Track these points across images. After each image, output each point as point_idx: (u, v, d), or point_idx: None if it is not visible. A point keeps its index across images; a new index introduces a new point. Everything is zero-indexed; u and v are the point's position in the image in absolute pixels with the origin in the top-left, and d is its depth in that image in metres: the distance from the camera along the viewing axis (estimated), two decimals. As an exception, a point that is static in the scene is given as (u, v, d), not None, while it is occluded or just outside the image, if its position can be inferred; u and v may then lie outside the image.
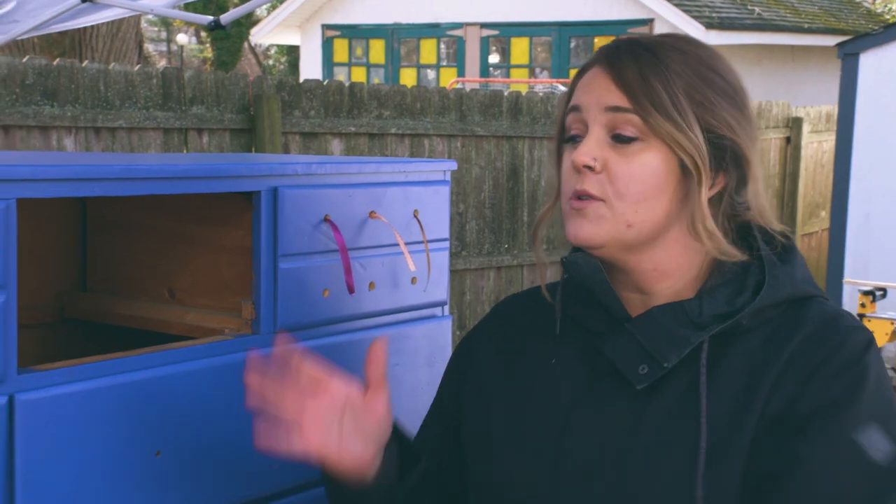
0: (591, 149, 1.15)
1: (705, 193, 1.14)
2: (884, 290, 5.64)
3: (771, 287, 1.15)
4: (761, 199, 1.19)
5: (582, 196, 1.15)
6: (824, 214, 9.60)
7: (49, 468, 1.14)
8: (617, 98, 1.15)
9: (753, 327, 1.15)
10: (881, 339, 5.37)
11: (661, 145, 1.14)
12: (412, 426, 1.50)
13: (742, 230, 1.19)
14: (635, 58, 1.16)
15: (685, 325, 1.15)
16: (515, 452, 1.22)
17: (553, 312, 1.25)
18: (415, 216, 1.55)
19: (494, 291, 6.22)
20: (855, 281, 6.30)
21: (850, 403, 1.10)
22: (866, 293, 5.57)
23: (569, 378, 1.21)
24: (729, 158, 1.15)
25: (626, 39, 1.21)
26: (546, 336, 1.25)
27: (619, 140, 1.14)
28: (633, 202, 1.14)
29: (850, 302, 6.85)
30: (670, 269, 1.18)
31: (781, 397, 1.11)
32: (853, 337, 1.14)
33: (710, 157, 1.14)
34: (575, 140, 1.18)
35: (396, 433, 1.26)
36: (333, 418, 1.16)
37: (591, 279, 1.19)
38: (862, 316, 5.46)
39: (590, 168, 1.15)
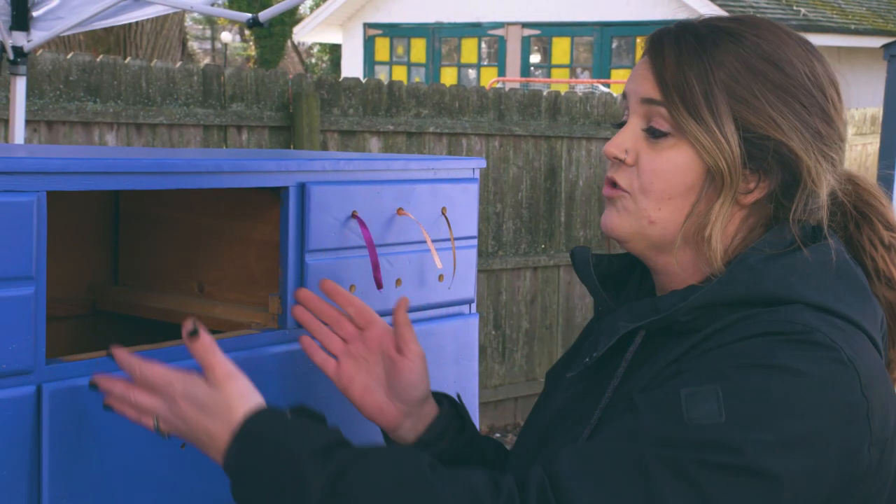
0: (624, 140, 1.13)
1: (724, 201, 1.08)
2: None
3: (720, 284, 1.07)
4: (822, 206, 1.10)
5: (614, 185, 1.14)
6: (868, 218, 9.46)
7: (75, 458, 1.16)
8: (651, 89, 1.11)
9: (700, 326, 1.07)
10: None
11: (691, 144, 1.09)
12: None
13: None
14: (678, 45, 1.11)
15: (635, 318, 1.11)
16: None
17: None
18: (443, 213, 1.55)
19: (531, 292, 6.21)
20: (897, 286, 6.20)
21: (704, 365, 1.01)
22: (908, 298, 5.47)
23: (579, 360, 1.23)
24: (773, 160, 1.08)
25: (682, 22, 1.15)
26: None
27: (651, 134, 1.11)
28: (656, 199, 1.10)
29: (892, 307, 6.74)
30: (698, 269, 1.12)
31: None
32: (764, 326, 1.02)
33: (748, 159, 1.08)
34: (621, 126, 1.16)
35: (461, 415, 1.30)
36: (365, 358, 1.27)
37: (580, 271, 1.20)
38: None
39: (620, 160, 1.12)
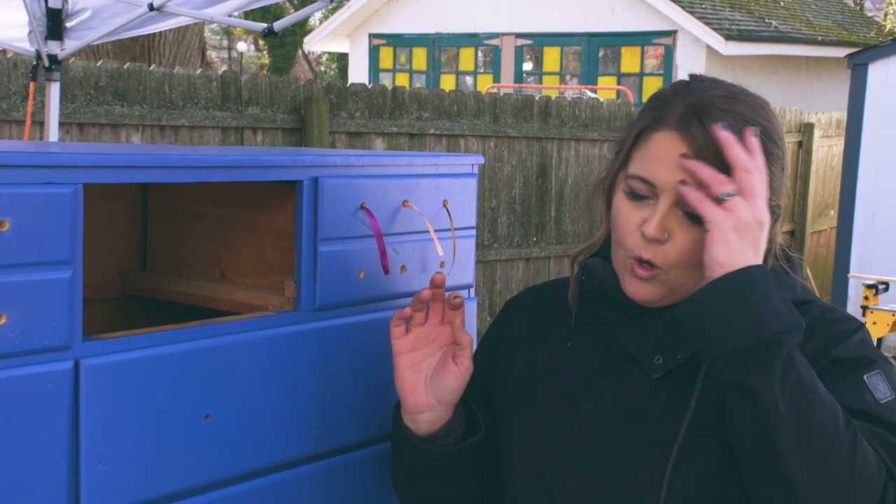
0: (662, 221, 1.12)
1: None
2: (886, 283, 5.57)
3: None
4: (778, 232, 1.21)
5: (649, 265, 1.14)
6: (833, 214, 9.49)
7: (110, 427, 1.17)
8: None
9: None
10: (882, 330, 5.30)
11: None
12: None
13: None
14: (709, 133, 1.09)
15: None
16: (532, 424, 1.26)
17: (567, 305, 1.29)
18: (444, 206, 1.56)
19: (523, 281, 6.22)
20: (860, 275, 6.23)
21: (857, 356, 1.12)
22: (870, 286, 5.50)
23: (584, 360, 1.24)
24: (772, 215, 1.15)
25: (701, 108, 1.11)
26: (563, 326, 1.29)
27: (689, 217, 1.12)
28: (686, 268, 1.14)
29: (855, 295, 6.78)
30: (697, 286, 1.16)
31: None
32: (844, 323, 1.16)
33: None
34: (637, 197, 1.14)
35: (466, 405, 1.32)
36: (428, 344, 1.29)
37: (608, 284, 1.21)
38: (865, 308, 5.40)
39: (659, 241, 1.13)
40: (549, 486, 1.21)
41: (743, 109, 1.13)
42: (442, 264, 1.58)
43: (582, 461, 1.19)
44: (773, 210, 1.15)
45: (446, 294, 1.29)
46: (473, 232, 1.63)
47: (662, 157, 1.12)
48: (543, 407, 1.25)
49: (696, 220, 1.11)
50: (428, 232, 1.52)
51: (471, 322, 1.66)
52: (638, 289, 1.16)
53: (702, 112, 1.11)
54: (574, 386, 1.23)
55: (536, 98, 6.29)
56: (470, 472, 1.31)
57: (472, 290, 1.66)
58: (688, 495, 1.11)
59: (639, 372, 1.18)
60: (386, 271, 1.45)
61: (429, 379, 1.28)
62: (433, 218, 1.54)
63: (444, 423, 1.29)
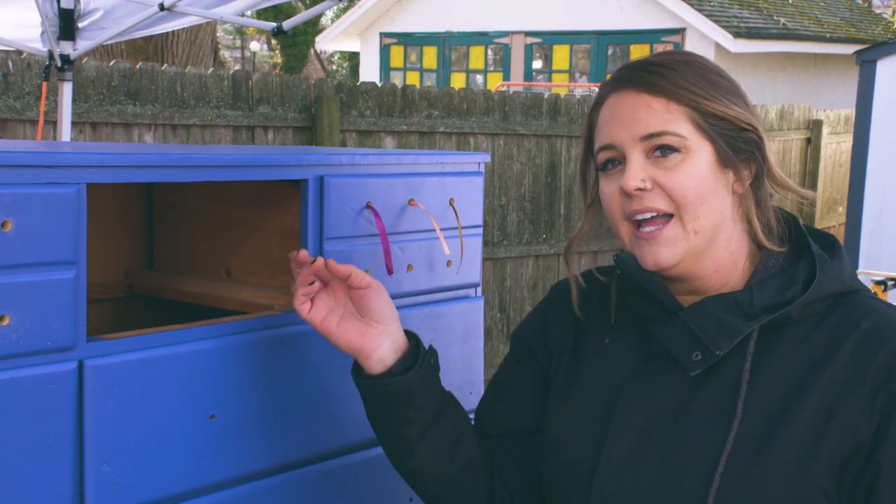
0: (637, 172, 1.12)
1: (744, 192, 1.16)
2: (895, 279, 5.52)
3: (821, 282, 1.12)
4: (768, 190, 1.18)
5: (647, 216, 1.12)
6: (841, 210, 9.44)
7: (114, 428, 1.15)
8: (650, 126, 1.12)
9: (801, 319, 1.12)
10: (892, 326, 5.26)
11: (697, 151, 1.11)
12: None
13: (788, 224, 1.19)
14: (656, 83, 1.13)
15: (735, 314, 1.12)
16: (569, 421, 1.21)
17: (606, 298, 1.24)
18: (450, 204, 1.54)
19: (533, 278, 6.19)
20: (868, 271, 6.18)
21: None
22: (878, 283, 5.45)
23: (623, 357, 1.19)
24: (752, 147, 1.14)
25: (643, 65, 1.16)
26: (603, 320, 1.24)
27: (662, 153, 1.11)
28: (693, 207, 1.11)
29: (864, 291, 6.71)
30: (727, 266, 1.15)
31: (858, 408, 1.07)
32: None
33: (736, 150, 1.13)
34: (609, 166, 1.15)
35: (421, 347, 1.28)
36: (332, 301, 1.24)
37: (642, 276, 1.16)
38: (874, 304, 5.35)
39: (642, 189, 1.11)
40: (584, 488, 1.16)
41: (679, 56, 1.16)
42: (449, 263, 1.55)
43: (621, 465, 1.14)
44: (743, 137, 1.13)
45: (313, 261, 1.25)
46: (480, 230, 1.61)
47: (614, 116, 1.15)
48: (581, 404, 1.20)
49: (668, 152, 1.11)
50: (434, 230, 1.50)
51: (478, 319, 1.63)
52: (654, 255, 1.12)
53: (638, 63, 1.16)
54: (613, 384, 1.18)
55: (546, 96, 6.26)
56: (435, 409, 1.24)
57: (479, 289, 1.64)
58: None
59: (678, 370, 1.13)
60: (389, 271, 1.43)
61: (360, 317, 1.24)
62: (439, 216, 1.51)
63: (407, 346, 1.24)
